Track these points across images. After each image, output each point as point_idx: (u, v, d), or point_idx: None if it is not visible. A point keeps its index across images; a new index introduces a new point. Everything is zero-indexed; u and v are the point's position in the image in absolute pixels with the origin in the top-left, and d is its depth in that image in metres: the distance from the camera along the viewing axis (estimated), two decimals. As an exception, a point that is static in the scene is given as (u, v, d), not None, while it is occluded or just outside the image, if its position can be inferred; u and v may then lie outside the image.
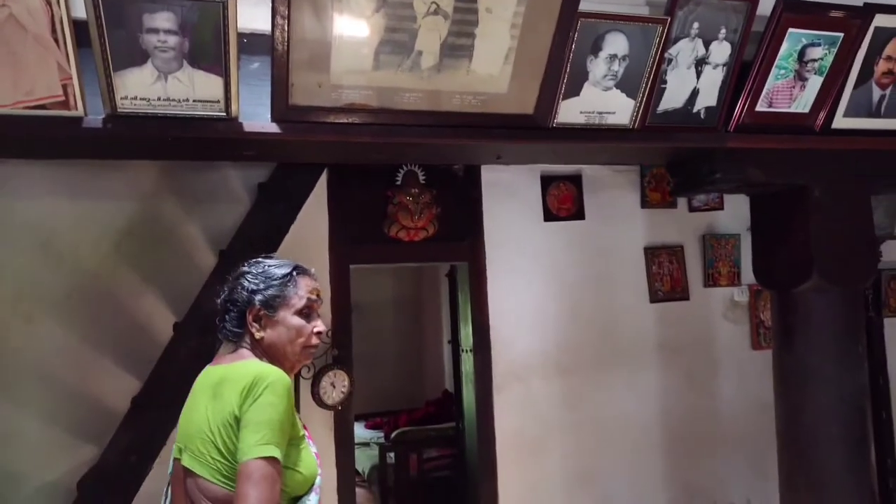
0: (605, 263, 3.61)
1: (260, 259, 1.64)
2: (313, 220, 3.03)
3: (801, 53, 2.38)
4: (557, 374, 3.46)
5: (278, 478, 1.37)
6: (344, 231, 3.12)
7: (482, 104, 2.15)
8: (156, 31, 1.72)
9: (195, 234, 2.86)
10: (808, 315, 2.62)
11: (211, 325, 1.60)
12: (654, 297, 3.69)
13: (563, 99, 2.21)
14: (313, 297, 1.60)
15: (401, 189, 3.17)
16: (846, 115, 2.56)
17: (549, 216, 3.52)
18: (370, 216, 3.13)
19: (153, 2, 1.67)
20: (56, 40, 1.61)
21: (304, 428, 1.59)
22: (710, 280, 3.84)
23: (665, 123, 2.38)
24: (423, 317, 6.76)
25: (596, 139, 2.30)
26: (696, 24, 2.24)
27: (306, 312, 1.58)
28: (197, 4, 1.70)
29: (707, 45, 2.29)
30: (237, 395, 1.40)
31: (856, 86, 2.53)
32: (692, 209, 3.83)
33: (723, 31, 2.28)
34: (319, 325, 1.60)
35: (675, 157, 2.65)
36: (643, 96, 2.28)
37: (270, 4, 1.79)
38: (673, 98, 2.35)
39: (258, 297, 1.55)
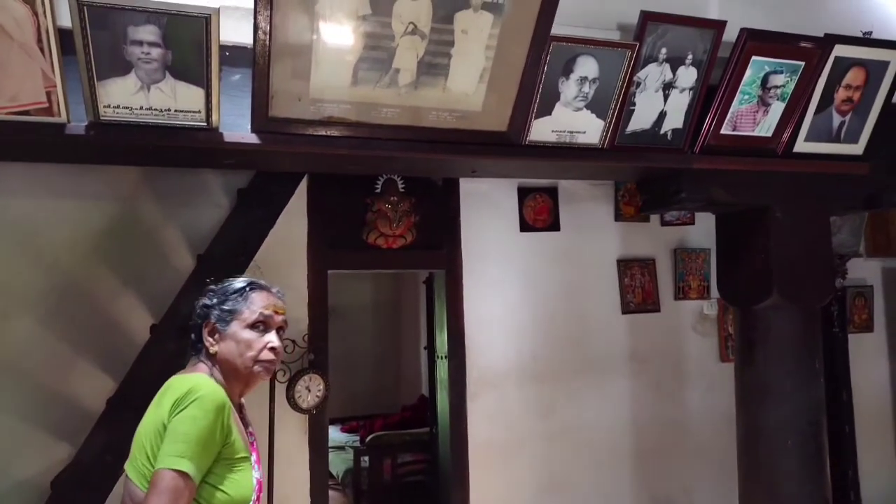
0: (578, 274, 3.71)
1: (230, 278, 1.67)
2: (293, 226, 3.09)
3: (765, 80, 2.48)
4: (530, 382, 3.54)
5: (185, 493, 1.37)
6: (323, 237, 3.17)
7: (458, 120, 2.22)
8: (140, 43, 1.78)
9: (175, 237, 2.90)
10: (767, 331, 2.72)
11: (187, 329, 1.66)
12: (626, 309, 3.79)
13: (535, 118, 2.29)
14: (268, 312, 1.60)
15: (380, 197, 3.23)
16: (807, 139, 2.67)
17: (525, 227, 3.61)
18: (349, 223, 3.20)
19: (137, 14, 1.73)
20: (41, 49, 1.66)
21: (254, 452, 1.61)
22: (681, 293, 3.95)
23: (633, 144, 2.47)
24: (401, 322, 6.82)
25: (567, 157, 2.38)
26: (664, 50, 2.33)
27: (260, 327, 1.59)
28: (180, 18, 1.76)
29: (674, 69, 2.38)
30: (170, 404, 1.43)
31: (817, 111, 2.64)
32: (664, 223, 3.94)
33: (690, 56, 2.38)
34: (273, 341, 1.59)
35: (643, 175, 2.75)
36: (612, 117, 2.37)
37: (252, 20, 1.85)
38: (641, 120, 2.44)
39: (213, 312, 1.59)
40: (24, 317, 2.64)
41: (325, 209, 3.17)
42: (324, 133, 2.10)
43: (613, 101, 2.34)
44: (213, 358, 1.58)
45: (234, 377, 1.58)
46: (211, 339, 1.58)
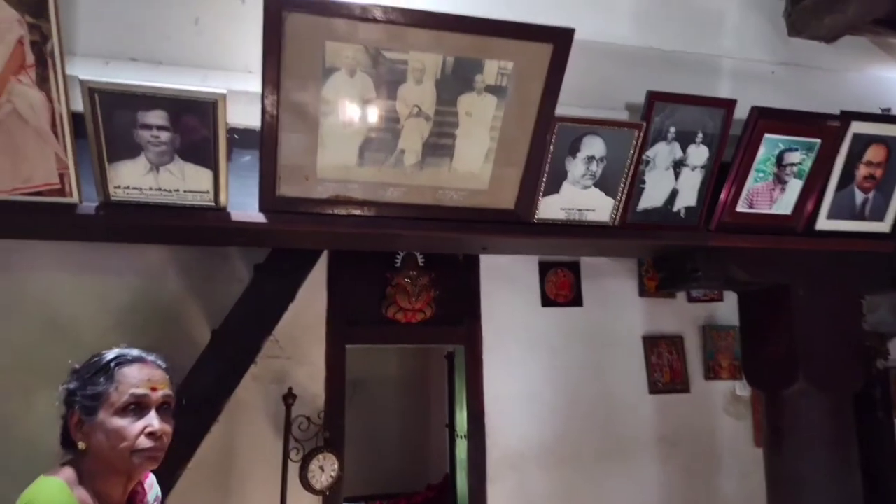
0: (603, 351, 3.61)
1: (100, 352, 1.44)
2: (312, 300, 3.12)
3: (779, 158, 2.45)
4: (553, 464, 3.41)
5: None
6: (342, 311, 3.18)
7: (465, 199, 2.23)
8: (149, 126, 1.85)
9: (196, 312, 2.94)
10: (796, 418, 2.58)
11: (199, 406, 1.61)
12: (654, 388, 3.65)
13: (543, 196, 2.29)
14: (141, 391, 1.36)
15: (399, 271, 3.25)
16: (829, 216, 2.60)
17: (547, 302, 3.56)
18: (369, 297, 3.21)
19: (147, 100, 1.81)
20: (55, 133, 1.74)
21: None
22: (711, 372, 3.79)
23: (646, 221, 2.44)
24: (429, 396, 6.69)
25: (577, 235, 2.36)
26: (672, 129, 2.33)
27: (133, 409, 1.35)
28: (188, 103, 1.83)
29: (685, 147, 2.37)
30: None
31: (838, 188, 2.57)
32: (691, 300, 3.83)
33: (700, 135, 2.37)
34: (153, 424, 1.34)
35: (658, 253, 2.70)
36: (622, 195, 2.35)
37: (260, 104, 1.91)
38: (652, 197, 2.42)
39: (77, 400, 1.36)
40: (44, 390, 2.65)
41: (344, 283, 3.19)
42: (331, 212, 2.13)
43: (623, 180, 2.33)
44: (83, 454, 1.35)
45: (112, 473, 1.36)
46: (79, 434, 1.34)
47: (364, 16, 1.88)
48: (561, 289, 3.62)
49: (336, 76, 1.95)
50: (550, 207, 2.32)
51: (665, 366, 3.75)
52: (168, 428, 1.39)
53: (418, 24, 1.92)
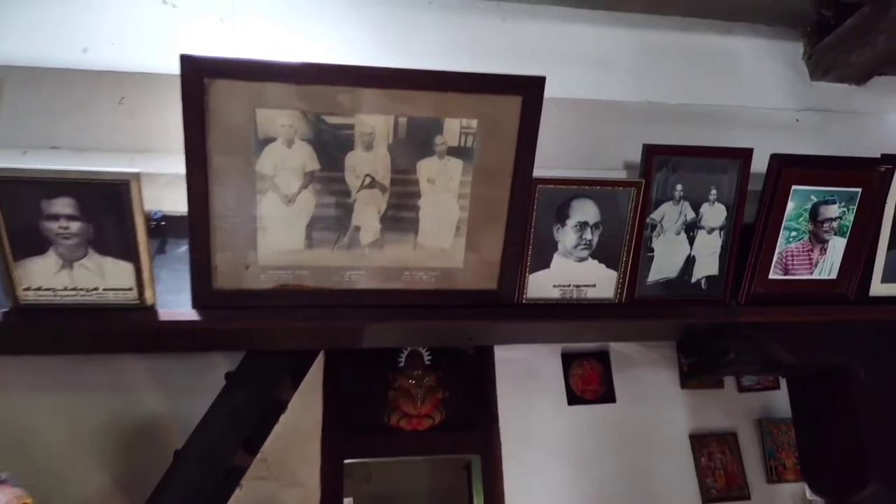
0: (642, 455, 3.12)
1: None
2: (306, 409, 2.81)
3: (814, 212, 2.07)
4: None
5: None
6: (339, 420, 2.85)
7: (437, 280, 1.91)
8: (56, 217, 1.62)
9: (175, 428, 2.65)
10: (874, 532, 2.07)
11: None
12: (707, 496, 3.13)
13: (530, 272, 1.95)
14: None
15: (402, 372, 2.91)
16: (885, 280, 2.18)
17: (573, 399, 3.13)
18: (369, 402, 2.87)
19: (50, 186, 1.58)
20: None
21: None
22: (774, 474, 3.25)
23: (659, 296, 2.06)
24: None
25: (576, 316, 2.00)
26: (679, 186, 1.99)
27: None
28: (98, 187, 1.59)
29: (696, 207, 2.02)
30: None
31: (890, 246, 2.16)
32: (742, 389, 3.33)
33: (713, 191, 2.02)
34: None
35: (681, 335, 2.29)
36: (626, 267, 2.00)
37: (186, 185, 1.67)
38: (664, 267, 2.05)
39: None
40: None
41: (342, 387, 2.87)
42: (278, 304, 1.83)
43: (624, 248, 1.98)
44: None
45: None
46: None
47: (298, 78, 1.64)
48: (589, 383, 3.20)
49: (272, 148, 1.70)
50: (541, 285, 1.98)
51: (718, 469, 3.23)
52: None
53: (362, 82, 1.67)
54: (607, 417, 3.11)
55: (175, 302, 1.82)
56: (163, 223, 1.80)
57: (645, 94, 2.27)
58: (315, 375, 2.86)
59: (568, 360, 3.17)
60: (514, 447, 2.97)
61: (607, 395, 3.14)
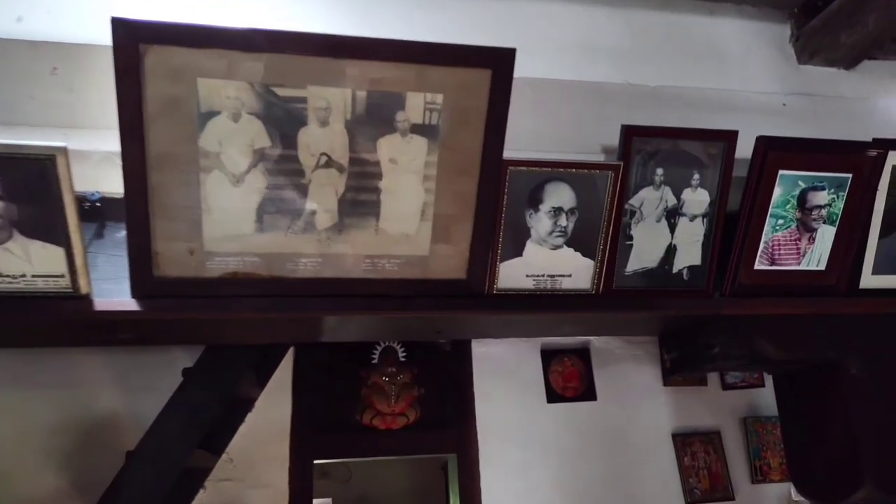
0: (624, 454, 2.98)
1: None
2: (274, 406, 2.64)
3: (802, 199, 1.96)
4: None
5: None
6: (309, 418, 2.67)
7: (400, 269, 1.77)
8: (-25, 196, 1.47)
9: (133, 427, 2.48)
10: (865, 537, 1.95)
11: None
12: (692, 497, 2.99)
13: (501, 261, 1.82)
14: None
15: (376, 368, 2.76)
16: (876, 271, 2.06)
17: (553, 397, 2.98)
18: (341, 400, 2.70)
19: (-34, 162, 1.43)
20: None
21: None
22: (759, 474, 3.12)
23: (638, 287, 1.94)
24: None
25: (550, 308, 1.87)
26: (659, 171, 1.87)
27: None
28: (20, 162, 1.44)
29: (678, 192, 1.90)
30: None
31: (882, 235, 2.05)
32: (726, 386, 3.20)
33: (696, 176, 1.90)
34: None
35: (663, 328, 2.17)
36: (603, 255, 1.87)
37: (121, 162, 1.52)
38: (643, 256, 1.93)
39: None
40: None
41: (312, 385, 2.71)
42: (227, 293, 1.69)
43: (602, 236, 1.85)
44: None
45: None
46: None
47: (244, 45, 1.50)
48: (569, 380, 3.07)
49: (216, 122, 1.55)
50: (513, 275, 1.85)
51: (702, 468, 3.10)
52: None
53: (315, 50, 1.53)
54: (588, 416, 2.96)
55: (114, 291, 1.67)
56: (98, 204, 1.64)
57: (625, 76, 2.15)
58: (284, 372, 2.71)
59: (548, 356, 3.02)
60: (491, 446, 2.82)
61: (588, 393, 3.00)
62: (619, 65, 2.15)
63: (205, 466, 2.52)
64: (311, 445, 2.67)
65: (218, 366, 2.43)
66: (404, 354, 2.79)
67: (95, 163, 1.65)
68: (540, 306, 1.85)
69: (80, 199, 1.62)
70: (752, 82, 2.28)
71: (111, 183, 1.66)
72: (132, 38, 1.45)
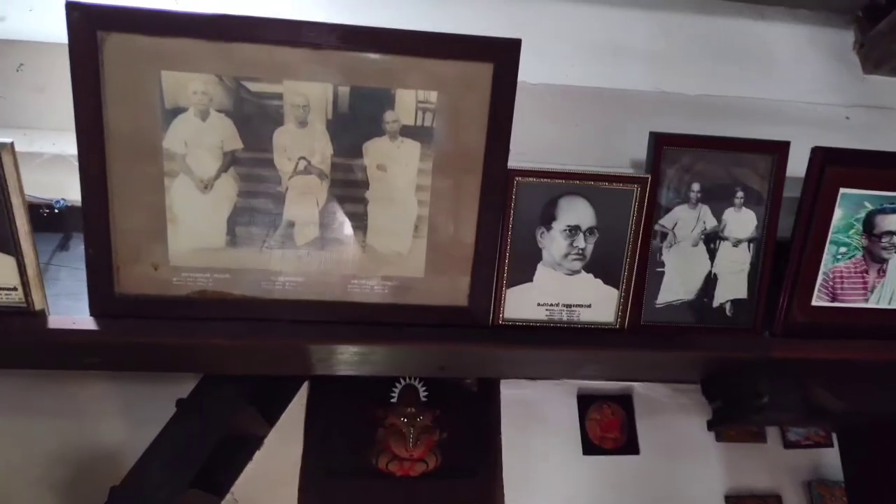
0: (670, 517, 2.69)
1: None
2: (284, 445, 2.49)
3: (869, 223, 1.66)
4: None
5: None
6: (321, 460, 2.50)
7: (392, 293, 1.56)
8: (-90, 196, 1.33)
9: (128, 459, 2.36)
10: None
11: None
12: (746, 568, 2.67)
13: (508, 286, 1.58)
14: None
15: (394, 408, 2.56)
16: (962, 311, 1.74)
17: (589, 448, 2.71)
18: (355, 441, 2.52)
19: None
20: None
21: None
22: (827, 546, 2.76)
23: (671, 322, 1.66)
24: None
25: (567, 343, 1.61)
26: (696, 186, 1.61)
27: None
28: (-41, 161, 1.30)
29: (718, 213, 1.63)
30: None
31: (969, 268, 1.73)
32: (788, 444, 2.86)
33: (740, 194, 1.63)
34: None
35: (703, 372, 1.88)
36: (628, 284, 1.61)
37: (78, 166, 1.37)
38: (677, 286, 1.66)
39: None
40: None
41: (326, 424, 2.54)
42: (195, 314, 1.50)
43: (626, 261, 1.60)
44: None
45: None
46: None
47: (212, 32, 1.34)
48: (608, 430, 2.80)
49: (182, 120, 1.39)
50: (522, 303, 1.60)
51: (759, 537, 2.77)
52: None
53: (292, 40, 1.36)
54: (629, 471, 2.70)
55: (74, 308, 1.51)
56: (61, 213, 1.49)
57: (659, 83, 1.92)
58: (297, 408, 2.56)
59: (585, 402, 2.77)
60: (519, 500, 2.58)
61: (629, 446, 2.73)
62: (652, 71, 1.92)
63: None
64: (322, 490, 2.48)
65: (212, 397, 2.26)
66: (426, 394, 2.58)
67: (61, 168, 1.51)
68: (554, 341, 1.60)
69: (40, 206, 1.48)
70: (808, 93, 2.02)
71: (78, 190, 1.51)
72: (89, 24, 1.31)
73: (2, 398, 2.27)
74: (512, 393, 2.69)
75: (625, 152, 1.78)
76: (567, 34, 1.93)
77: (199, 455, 2.20)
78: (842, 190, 1.62)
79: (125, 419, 2.38)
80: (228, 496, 2.36)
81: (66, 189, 1.54)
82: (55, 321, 1.46)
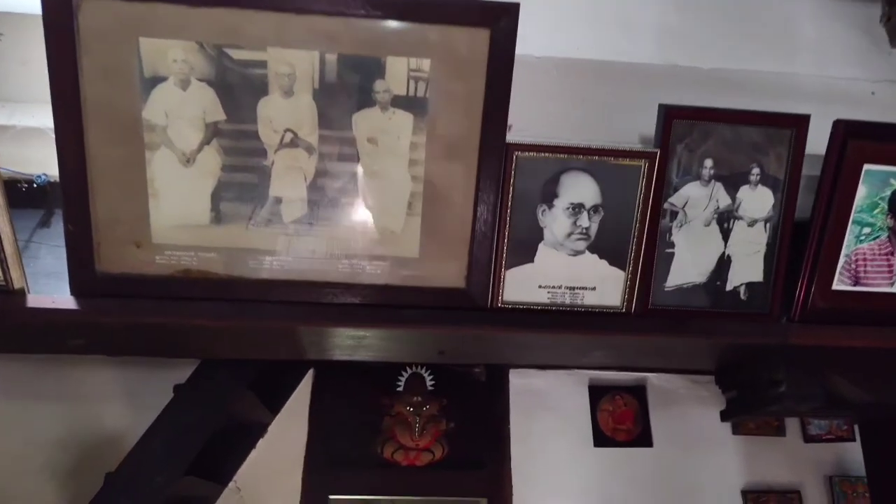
0: (684, 511, 2.61)
1: None
2: (289, 433, 2.45)
3: (894, 201, 1.56)
4: None
5: None
6: (325, 449, 2.47)
7: (386, 273, 1.49)
8: None
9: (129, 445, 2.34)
10: None
11: None
12: (764, 566, 2.59)
13: (507, 267, 1.50)
14: None
15: (400, 397, 2.51)
16: None
17: (601, 440, 2.66)
18: (361, 430, 2.48)
19: None
20: None
21: None
22: (849, 544, 2.67)
23: (681, 306, 1.57)
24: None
25: (570, 327, 1.53)
26: (708, 162, 1.52)
27: None
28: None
29: (732, 191, 1.54)
30: None
31: None
32: (808, 438, 2.77)
33: (755, 170, 1.53)
34: None
35: (716, 360, 1.78)
36: (636, 265, 1.52)
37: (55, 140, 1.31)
38: (688, 268, 1.57)
39: None
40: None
41: (331, 412, 2.51)
42: (179, 294, 1.44)
43: (633, 241, 1.51)
44: None
45: None
46: None
47: (194, -3, 1.28)
48: (621, 421, 2.74)
49: (162, 89, 1.33)
50: (522, 285, 1.52)
51: (778, 534, 2.70)
52: None
53: (275, 4, 1.29)
54: (642, 464, 2.64)
55: (55, 288, 1.46)
56: (42, 187, 1.44)
57: (671, 56, 1.82)
58: (302, 396, 2.52)
59: (597, 392, 2.71)
60: (527, 492, 2.53)
61: (643, 438, 2.67)
62: (664, 44, 1.82)
63: (201, 495, 2.30)
64: (326, 479, 2.45)
65: (211, 383, 2.21)
66: (432, 382, 2.53)
67: (42, 141, 1.46)
68: (556, 325, 1.52)
69: (18, 181, 1.43)
70: (832, 67, 1.91)
71: (46, 163, 1.46)
72: (63, -12, 1.25)
73: (2, 384, 2.25)
74: (521, 382, 2.63)
75: (634, 129, 1.69)
76: (573, 5, 1.84)
77: (197, 442, 2.16)
78: (866, 166, 1.52)
79: (126, 405, 2.35)
80: (231, 484, 2.32)
81: (48, 164, 1.49)
82: (34, 300, 1.41)
